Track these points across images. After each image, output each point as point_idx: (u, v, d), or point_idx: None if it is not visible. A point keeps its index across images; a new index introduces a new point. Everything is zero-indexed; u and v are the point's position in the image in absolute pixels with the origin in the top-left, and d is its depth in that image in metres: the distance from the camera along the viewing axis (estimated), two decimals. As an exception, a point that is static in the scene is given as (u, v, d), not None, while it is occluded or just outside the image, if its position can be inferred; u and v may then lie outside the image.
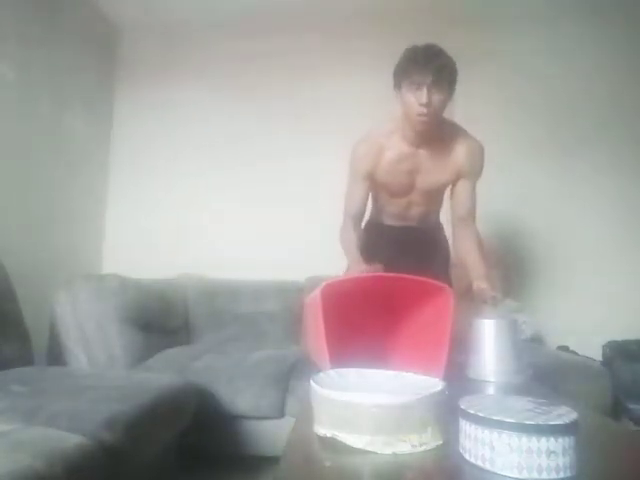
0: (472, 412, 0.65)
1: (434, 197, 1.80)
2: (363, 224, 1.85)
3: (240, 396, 1.74)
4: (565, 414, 0.64)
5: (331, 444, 0.72)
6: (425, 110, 1.47)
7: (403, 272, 1.24)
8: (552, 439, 0.60)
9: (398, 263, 1.38)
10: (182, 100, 3.05)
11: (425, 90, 1.45)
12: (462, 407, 0.68)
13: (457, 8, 2.82)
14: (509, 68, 2.78)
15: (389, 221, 1.89)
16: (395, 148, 1.64)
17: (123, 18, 3.05)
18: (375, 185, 1.74)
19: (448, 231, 1.93)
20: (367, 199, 1.78)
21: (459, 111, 1.58)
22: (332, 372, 0.93)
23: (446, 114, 1.63)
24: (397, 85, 1.55)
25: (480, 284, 1.50)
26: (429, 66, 1.44)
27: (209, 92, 3.03)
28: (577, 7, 2.78)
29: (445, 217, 1.91)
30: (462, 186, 1.70)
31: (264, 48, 2.98)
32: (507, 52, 2.79)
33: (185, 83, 3.05)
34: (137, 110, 3.10)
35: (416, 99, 1.47)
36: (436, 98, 1.47)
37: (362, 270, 1.46)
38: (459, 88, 1.54)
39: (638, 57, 2.75)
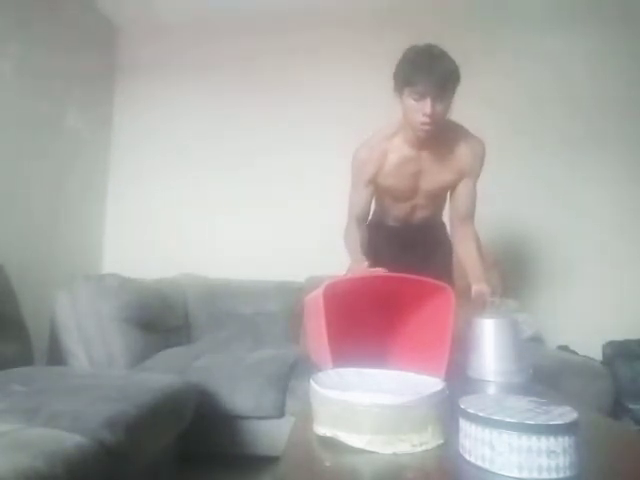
0: (472, 412, 0.65)
1: (438, 199, 1.79)
2: (367, 224, 1.85)
3: (240, 396, 1.74)
4: (565, 414, 0.64)
5: (331, 444, 0.72)
6: (429, 120, 1.45)
7: (405, 271, 1.24)
8: (552, 439, 0.60)
9: (401, 262, 1.38)
10: (182, 100, 3.05)
11: (429, 101, 1.42)
12: (462, 407, 0.68)
13: (459, 4, 2.83)
14: (510, 69, 2.78)
15: (392, 222, 1.89)
16: (397, 151, 1.63)
17: (123, 17, 3.05)
18: (378, 189, 1.74)
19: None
20: (371, 202, 1.76)
21: (459, 111, 1.57)
22: (332, 372, 0.93)
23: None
24: (398, 89, 1.52)
25: (479, 288, 1.49)
26: (433, 77, 1.40)
27: (209, 92, 3.03)
28: (581, 6, 2.78)
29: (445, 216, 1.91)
30: (464, 186, 1.69)
31: (264, 46, 2.98)
32: (509, 51, 2.80)
33: (185, 82, 3.05)
34: (137, 110, 3.10)
35: (419, 109, 1.45)
36: (440, 107, 1.45)
37: (363, 270, 1.45)
38: (459, 87, 1.53)
39: None
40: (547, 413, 0.64)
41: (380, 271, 1.36)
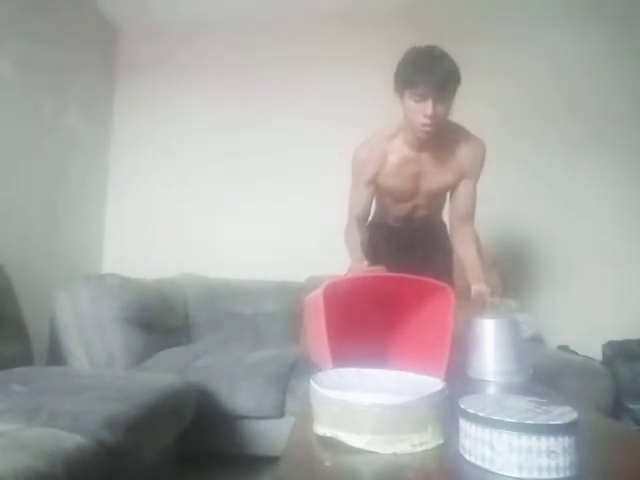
0: (472, 412, 0.65)
1: (438, 199, 1.79)
2: (367, 224, 1.85)
3: (240, 396, 1.74)
4: (565, 414, 0.64)
5: (331, 444, 0.72)
6: (430, 121, 1.45)
7: (405, 271, 1.24)
8: (552, 439, 0.60)
9: (401, 262, 1.38)
10: (182, 99, 3.05)
11: (430, 102, 1.42)
12: (462, 407, 0.68)
13: (458, 5, 2.83)
14: (510, 68, 2.78)
15: (393, 222, 1.89)
16: (398, 152, 1.63)
17: (123, 18, 3.05)
18: (379, 190, 1.74)
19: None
20: (371, 203, 1.76)
21: (459, 111, 1.57)
22: (332, 372, 0.93)
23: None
24: (398, 90, 1.51)
25: (478, 288, 1.49)
26: (434, 77, 1.40)
27: (209, 91, 3.03)
28: (581, 6, 2.78)
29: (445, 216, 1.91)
30: (464, 186, 1.69)
31: (264, 45, 2.98)
32: (509, 51, 2.79)
33: (184, 82, 3.05)
34: (137, 109, 3.10)
35: (420, 110, 1.44)
36: (441, 108, 1.44)
37: (363, 269, 1.45)
38: (460, 87, 1.53)
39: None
40: (547, 413, 0.64)
41: (379, 269, 1.36)
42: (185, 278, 2.62)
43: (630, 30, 2.74)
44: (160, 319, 2.22)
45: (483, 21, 2.82)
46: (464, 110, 1.58)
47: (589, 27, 2.77)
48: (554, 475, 0.60)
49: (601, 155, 2.71)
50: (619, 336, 2.38)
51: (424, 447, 0.71)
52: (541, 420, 0.61)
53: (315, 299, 1.29)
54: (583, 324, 2.49)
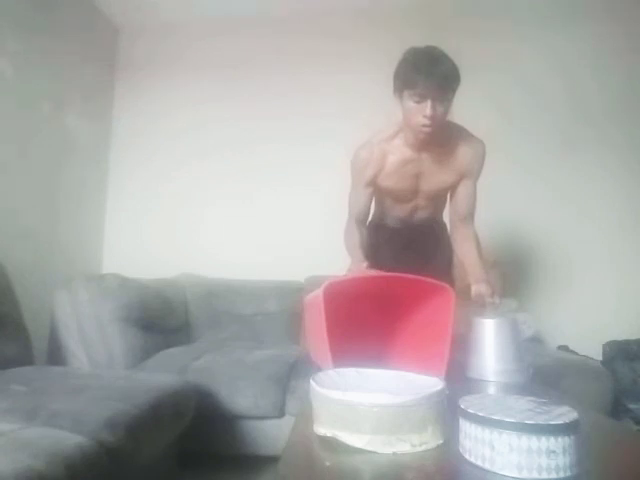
0: (472, 412, 0.65)
1: (438, 199, 1.79)
2: (367, 224, 1.85)
3: (240, 396, 1.74)
4: (565, 414, 0.64)
5: (331, 444, 0.72)
6: (429, 122, 1.44)
7: (406, 271, 1.24)
8: (552, 439, 0.60)
9: (401, 262, 1.38)
10: (182, 99, 3.05)
11: (429, 102, 1.41)
12: (462, 407, 0.68)
13: (461, 4, 2.83)
14: (510, 70, 2.78)
15: (393, 223, 1.89)
16: (397, 153, 1.63)
17: (122, 14, 3.05)
18: (379, 191, 1.74)
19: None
20: (370, 203, 1.76)
21: (459, 112, 1.57)
22: (332, 372, 0.93)
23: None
24: (398, 91, 1.51)
25: (479, 288, 1.49)
26: (433, 78, 1.39)
27: (209, 91, 3.03)
28: (584, 4, 2.78)
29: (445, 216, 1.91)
30: (464, 186, 1.69)
31: (263, 43, 2.98)
32: (510, 51, 2.79)
33: (185, 82, 3.05)
34: (137, 109, 3.10)
35: (419, 110, 1.44)
36: (440, 108, 1.44)
37: (362, 270, 1.45)
38: (459, 88, 1.53)
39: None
40: (547, 413, 0.64)
41: (373, 273, 1.36)
42: (185, 278, 2.62)
43: (635, 29, 2.73)
44: (160, 319, 2.22)
45: (485, 20, 2.82)
46: (464, 110, 1.58)
47: (593, 26, 2.76)
48: (554, 475, 0.60)
49: (602, 155, 2.71)
50: (619, 336, 2.38)
51: (424, 447, 0.71)
52: (541, 420, 0.61)
53: (315, 299, 1.29)
54: (583, 324, 2.49)
